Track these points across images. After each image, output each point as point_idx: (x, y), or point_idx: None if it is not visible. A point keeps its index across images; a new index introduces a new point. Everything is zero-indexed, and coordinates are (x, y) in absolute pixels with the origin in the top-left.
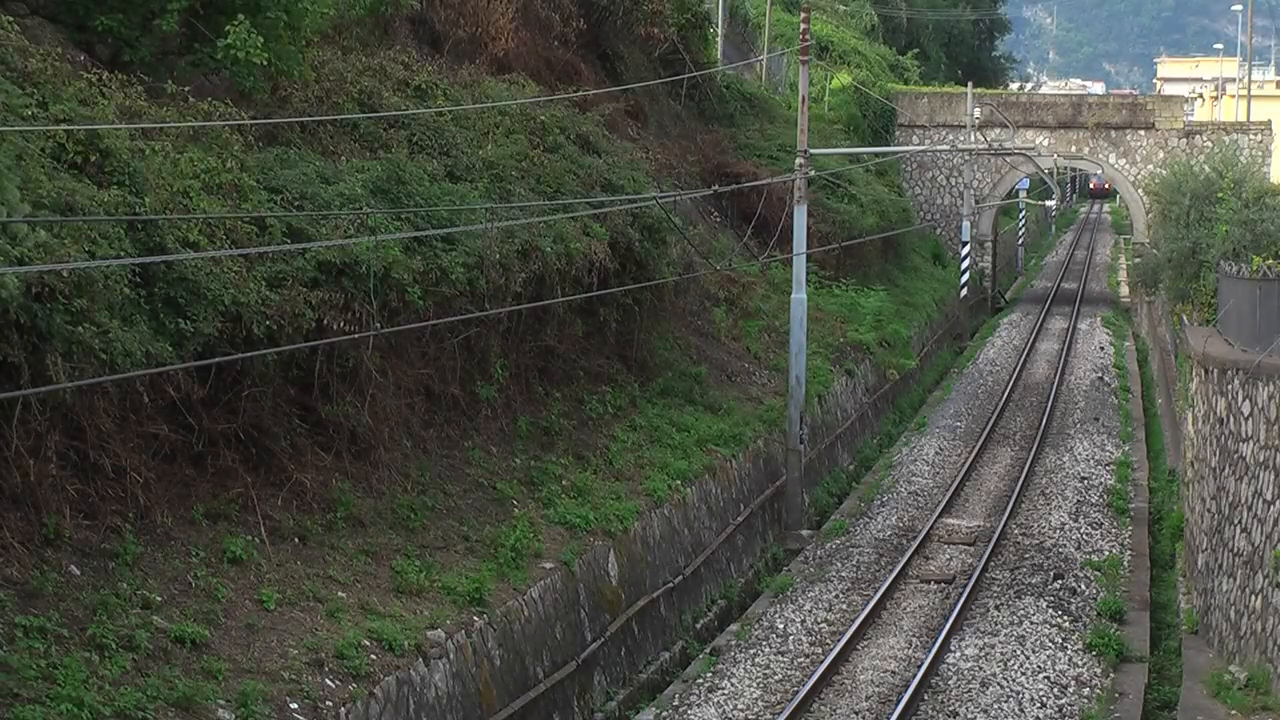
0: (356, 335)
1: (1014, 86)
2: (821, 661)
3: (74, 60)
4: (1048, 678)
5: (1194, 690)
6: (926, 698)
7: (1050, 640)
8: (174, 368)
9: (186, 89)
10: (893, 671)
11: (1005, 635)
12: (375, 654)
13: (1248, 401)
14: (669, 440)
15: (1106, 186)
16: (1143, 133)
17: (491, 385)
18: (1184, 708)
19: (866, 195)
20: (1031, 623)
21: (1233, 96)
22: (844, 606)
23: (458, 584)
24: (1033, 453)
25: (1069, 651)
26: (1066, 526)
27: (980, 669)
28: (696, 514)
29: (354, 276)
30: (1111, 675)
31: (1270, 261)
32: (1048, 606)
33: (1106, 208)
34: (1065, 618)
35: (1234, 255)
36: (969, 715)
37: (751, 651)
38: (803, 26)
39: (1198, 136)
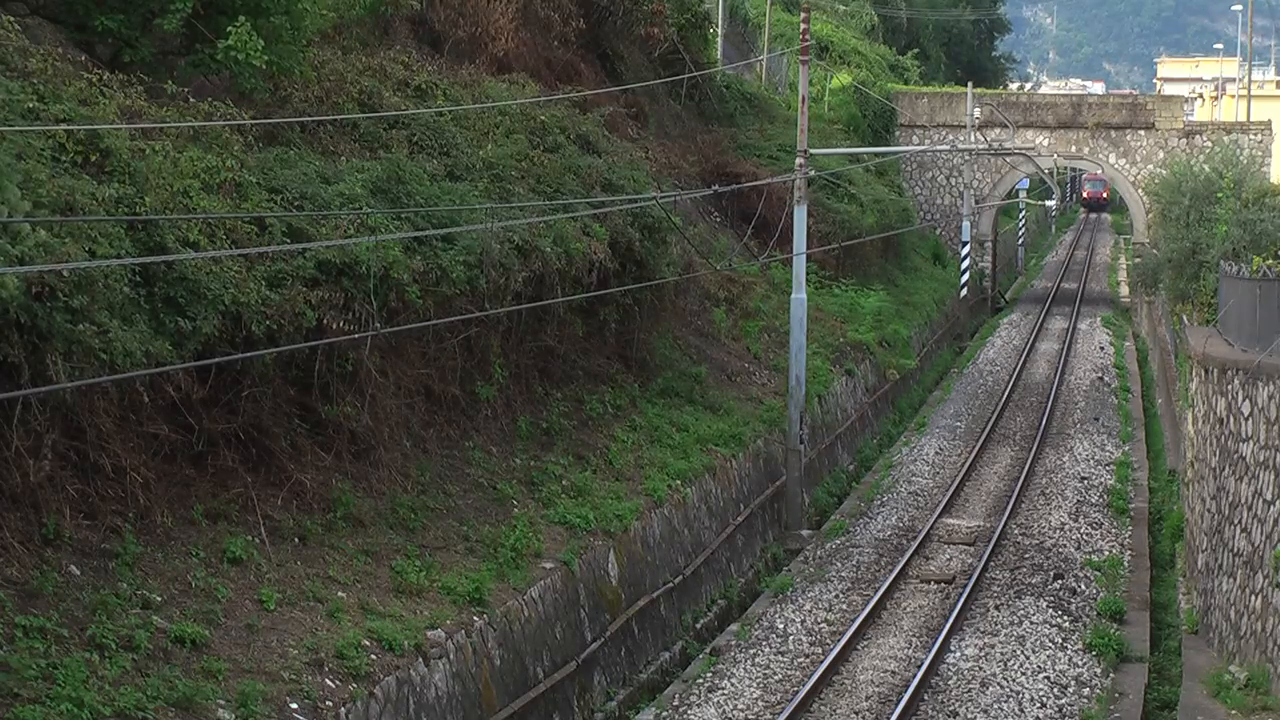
0: (356, 335)
1: (1014, 86)
2: (821, 661)
3: (74, 60)
4: (1048, 678)
5: (1194, 690)
6: (926, 698)
7: (1050, 640)
8: (174, 368)
9: (186, 89)
10: (893, 671)
11: (1005, 635)
12: (375, 654)
13: (1248, 401)
14: (669, 440)
15: (1104, 195)
16: (1143, 133)
17: (491, 385)
18: (1184, 708)
19: (866, 195)
20: (1031, 623)
21: (1233, 96)
22: (844, 606)
23: (458, 584)
24: (1033, 453)
25: (1069, 651)
26: (1066, 526)
27: (980, 669)
28: (696, 514)
29: (354, 276)
30: (1111, 675)
31: (1270, 261)
32: (1048, 606)
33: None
34: (1065, 618)
35: (1234, 255)
36: (969, 715)
37: (751, 651)
38: (803, 26)
39: (1198, 136)
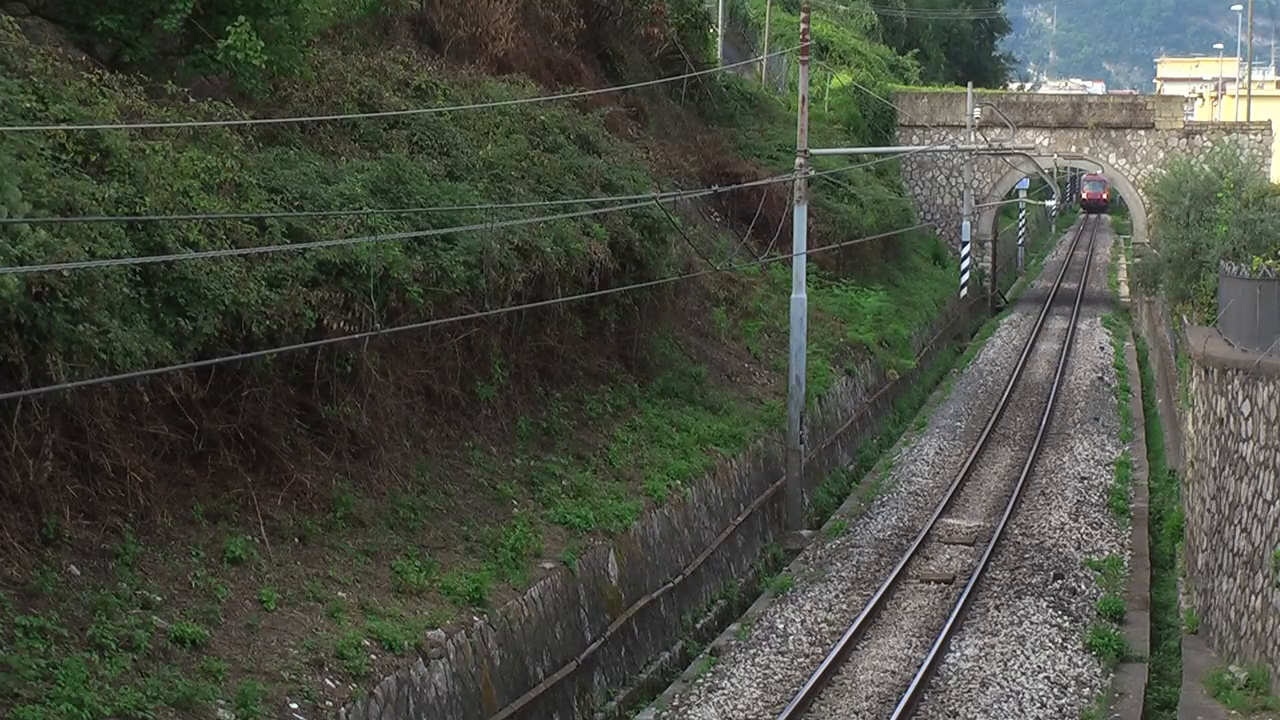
0: (356, 335)
1: (1014, 86)
2: (821, 661)
3: (74, 60)
4: (1048, 678)
5: (1194, 690)
6: (926, 698)
7: (1050, 640)
8: (174, 368)
9: (186, 89)
10: (893, 671)
11: (1005, 635)
12: (375, 654)
13: (1248, 401)
14: (669, 440)
15: (1104, 196)
16: (1143, 133)
17: (491, 385)
18: (1184, 708)
19: (866, 195)
20: (1031, 623)
21: (1233, 96)
22: (844, 606)
23: (458, 584)
24: (1033, 453)
25: (1069, 651)
26: (1066, 526)
27: (980, 669)
28: (696, 514)
29: (354, 276)
30: (1111, 675)
31: (1270, 261)
32: (1048, 606)
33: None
34: (1065, 618)
35: (1234, 255)
36: (969, 715)
37: (751, 651)
38: (803, 26)
39: (1198, 136)
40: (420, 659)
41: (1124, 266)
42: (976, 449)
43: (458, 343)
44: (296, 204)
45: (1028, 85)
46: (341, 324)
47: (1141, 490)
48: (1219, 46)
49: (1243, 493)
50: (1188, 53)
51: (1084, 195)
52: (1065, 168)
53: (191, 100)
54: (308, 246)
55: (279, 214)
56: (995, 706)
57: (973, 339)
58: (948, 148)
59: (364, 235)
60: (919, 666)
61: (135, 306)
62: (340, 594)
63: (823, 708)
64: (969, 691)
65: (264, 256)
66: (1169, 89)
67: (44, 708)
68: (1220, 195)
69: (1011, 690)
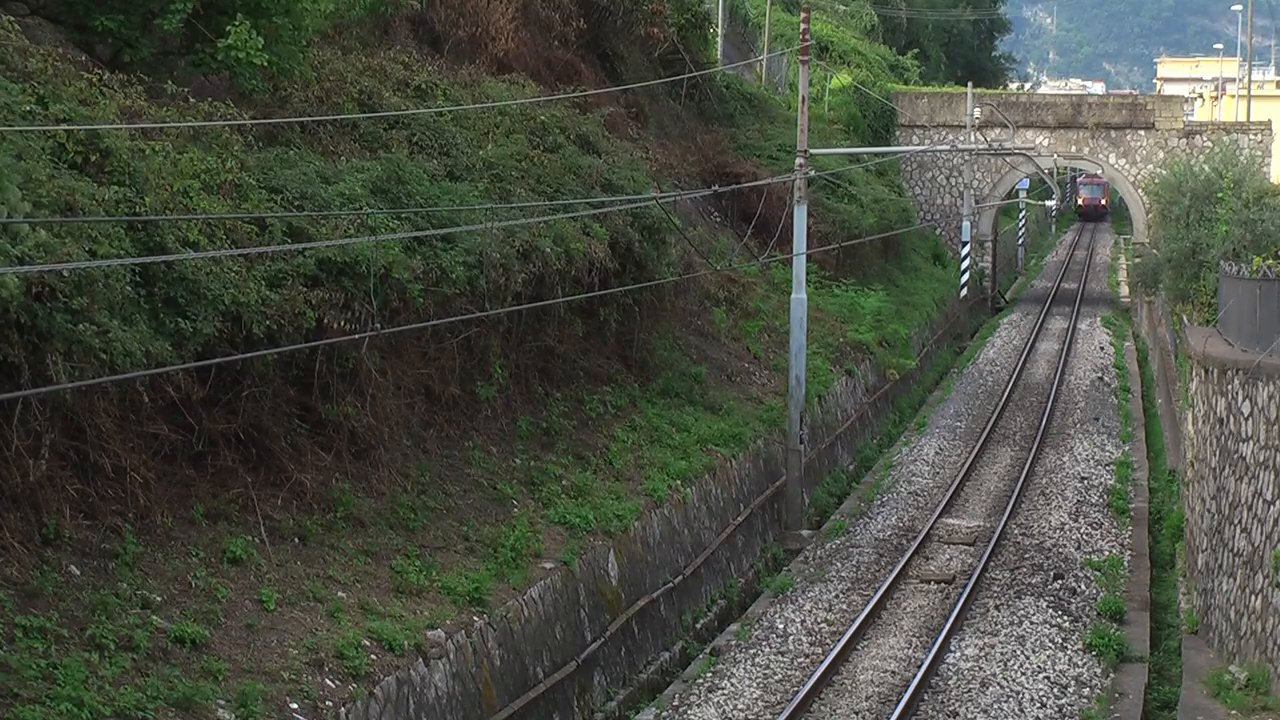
0: (356, 335)
1: (1014, 86)
2: (821, 661)
3: (74, 60)
4: (1048, 678)
5: (1194, 690)
6: (926, 698)
7: (1050, 640)
8: (174, 368)
9: (186, 89)
10: (893, 671)
11: (1005, 635)
12: (375, 654)
13: (1248, 401)
14: (669, 440)
15: (1103, 201)
16: (1143, 133)
17: (491, 385)
18: (1184, 708)
19: (866, 195)
20: (1031, 623)
21: (1233, 96)
22: (844, 606)
23: (458, 584)
24: (1033, 453)
25: (1069, 651)
26: (1066, 526)
27: (980, 669)
28: (696, 514)
29: (354, 276)
30: (1111, 675)
31: (1270, 261)
32: (1048, 606)
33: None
34: (1065, 618)
35: (1234, 255)
36: (969, 715)
37: (751, 651)
38: (803, 26)
39: (1198, 136)
40: (420, 659)
41: (1124, 266)
42: (976, 449)
43: (458, 343)
44: (296, 204)
45: (1028, 85)
46: (341, 324)
47: (1141, 490)
48: (1219, 46)
49: (1243, 493)
50: (1188, 53)
51: (1080, 201)
52: (1064, 168)
53: (191, 100)
54: (308, 246)
55: (279, 214)
56: (995, 706)
57: (973, 339)
58: (948, 148)
59: (364, 235)
60: (919, 666)
61: (135, 307)
62: (340, 594)
63: (823, 708)
64: (969, 691)
65: (264, 256)
66: (1169, 89)
67: (44, 708)
68: (1220, 195)
69: (1011, 690)
